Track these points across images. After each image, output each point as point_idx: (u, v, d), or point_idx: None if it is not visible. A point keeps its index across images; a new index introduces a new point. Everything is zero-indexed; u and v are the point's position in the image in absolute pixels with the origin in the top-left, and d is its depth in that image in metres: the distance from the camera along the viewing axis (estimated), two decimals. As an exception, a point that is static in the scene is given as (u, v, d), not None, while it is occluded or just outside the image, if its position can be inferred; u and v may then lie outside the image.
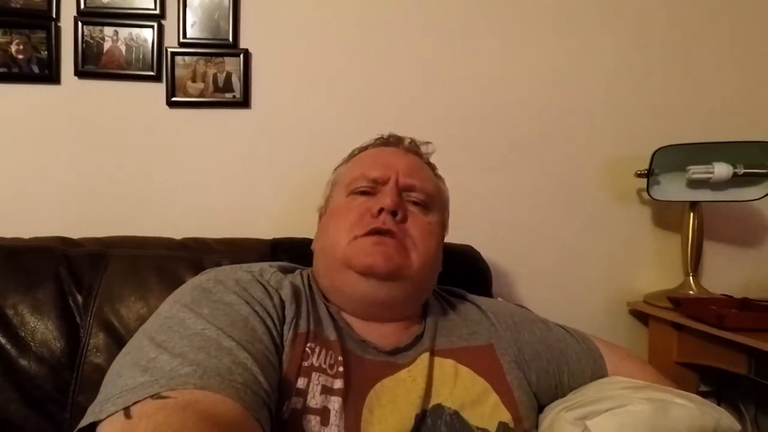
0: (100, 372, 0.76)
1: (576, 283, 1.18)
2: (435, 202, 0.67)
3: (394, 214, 0.59)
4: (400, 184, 0.63)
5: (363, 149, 0.72)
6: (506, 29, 1.17)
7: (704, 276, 1.16)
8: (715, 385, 1.15)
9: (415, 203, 0.64)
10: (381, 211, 0.59)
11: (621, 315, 1.19)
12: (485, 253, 1.00)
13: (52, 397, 0.72)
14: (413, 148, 0.71)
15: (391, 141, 0.71)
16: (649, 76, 1.19)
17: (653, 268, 1.20)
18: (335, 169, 0.73)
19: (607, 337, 1.11)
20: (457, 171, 1.14)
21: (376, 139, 0.72)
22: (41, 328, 0.75)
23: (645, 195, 1.15)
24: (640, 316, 1.18)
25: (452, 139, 1.15)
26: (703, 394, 1.12)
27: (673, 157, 1.08)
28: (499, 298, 0.95)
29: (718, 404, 1.13)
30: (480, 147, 1.16)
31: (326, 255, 0.62)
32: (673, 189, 1.11)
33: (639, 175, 1.11)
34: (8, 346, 0.73)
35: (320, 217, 0.71)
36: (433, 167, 0.73)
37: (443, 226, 0.70)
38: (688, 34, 1.20)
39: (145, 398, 0.38)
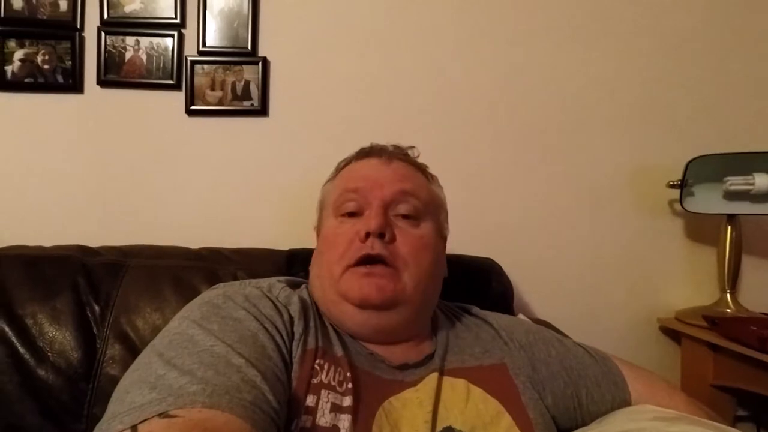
0: (116, 384, 0.76)
1: (603, 298, 1.13)
2: (427, 209, 0.64)
3: (381, 235, 0.58)
4: (385, 200, 0.60)
5: (347, 162, 0.69)
6: (531, 34, 1.13)
7: (742, 293, 1.09)
8: (754, 409, 1.08)
9: (404, 216, 0.61)
10: (368, 234, 0.58)
11: (651, 332, 1.14)
12: (507, 267, 0.96)
13: (67, 408, 0.72)
14: (397, 155, 0.67)
15: (374, 151, 0.67)
16: (682, 81, 1.13)
17: (686, 283, 1.14)
18: (323, 185, 0.71)
19: (637, 354, 1.07)
20: (478, 181, 1.12)
21: (359, 151, 0.69)
22: (59, 338, 0.76)
23: (677, 206, 1.09)
24: (671, 333, 1.13)
25: (473, 148, 1.12)
26: (741, 419, 1.07)
27: (708, 168, 1.03)
28: (521, 315, 0.91)
29: (758, 430, 1.07)
30: (502, 156, 1.12)
31: (323, 285, 0.61)
32: (708, 201, 1.06)
33: (671, 186, 1.06)
34: (27, 356, 0.74)
35: (317, 235, 0.70)
36: (423, 168, 0.69)
37: (440, 231, 0.66)
38: (725, 38, 1.14)
39: (153, 417, 0.38)
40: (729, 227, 1.06)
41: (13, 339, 0.74)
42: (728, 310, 1.04)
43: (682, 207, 1.05)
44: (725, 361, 0.97)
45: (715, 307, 1.06)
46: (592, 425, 0.61)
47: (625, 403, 0.64)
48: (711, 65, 1.14)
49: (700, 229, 1.13)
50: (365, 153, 0.68)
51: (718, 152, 1.03)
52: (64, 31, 1.06)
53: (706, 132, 1.12)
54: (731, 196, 1.04)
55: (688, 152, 1.04)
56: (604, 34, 1.13)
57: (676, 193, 1.07)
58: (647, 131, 1.13)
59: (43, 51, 1.05)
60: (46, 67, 1.06)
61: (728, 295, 1.06)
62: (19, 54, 1.05)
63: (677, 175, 1.05)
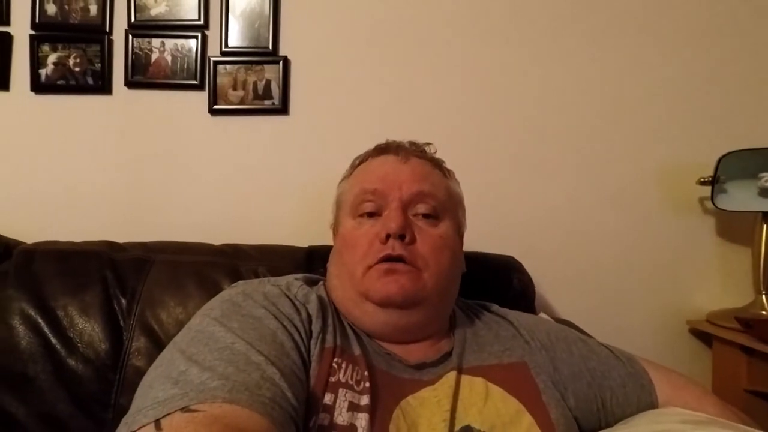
0: (141, 375, 0.78)
1: (630, 299, 1.09)
2: (446, 207, 0.64)
3: (402, 237, 0.58)
4: (404, 200, 0.60)
5: (363, 160, 0.69)
6: (556, 31, 1.11)
7: (778, 294, 1.05)
8: (791, 417, 1.03)
9: (424, 216, 0.61)
10: (389, 236, 0.58)
11: (681, 334, 1.10)
12: (528, 265, 0.94)
13: (96, 398, 0.75)
14: (414, 152, 0.66)
15: (390, 148, 0.67)
16: (713, 73, 1.09)
17: (717, 284, 1.09)
18: (339, 182, 0.71)
19: (665, 357, 1.04)
20: (500, 177, 1.11)
21: (375, 148, 0.69)
22: (88, 330, 0.78)
23: (708, 204, 1.06)
24: (702, 336, 1.08)
25: (494, 145, 1.11)
26: (777, 426, 1.02)
27: (742, 163, 0.99)
28: (542, 314, 0.89)
29: (795, 438, 1.02)
30: (526, 152, 1.11)
31: (343, 285, 0.61)
32: (741, 198, 1.02)
33: (702, 183, 1.03)
34: (58, 346, 0.77)
35: (334, 233, 0.70)
36: (440, 163, 0.69)
37: (458, 229, 0.66)
38: (756, 29, 1.09)
39: (175, 411, 0.39)
40: (764, 225, 1.02)
41: (46, 330, 0.77)
42: (763, 312, 1.00)
43: (714, 205, 1.02)
44: (760, 365, 0.93)
45: (749, 308, 1.02)
46: (617, 426, 0.60)
47: (652, 405, 0.62)
48: (743, 56, 1.09)
49: (733, 228, 1.09)
50: (381, 150, 0.68)
51: (751, 147, 0.99)
52: (94, 34, 1.10)
53: (739, 126, 1.08)
54: (766, 192, 1.00)
55: (719, 147, 1.00)
56: (633, 29, 1.10)
57: (707, 191, 1.03)
58: (676, 126, 1.10)
59: (74, 54, 1.09)
60: (77, 69, 1.10)
61: (763, 296, 1.01)
62: (52, 57, 1.09)
63: (708, 172, 1.01)
